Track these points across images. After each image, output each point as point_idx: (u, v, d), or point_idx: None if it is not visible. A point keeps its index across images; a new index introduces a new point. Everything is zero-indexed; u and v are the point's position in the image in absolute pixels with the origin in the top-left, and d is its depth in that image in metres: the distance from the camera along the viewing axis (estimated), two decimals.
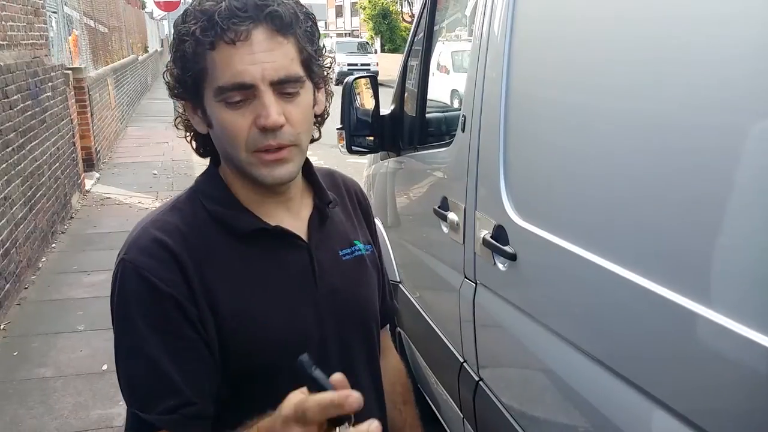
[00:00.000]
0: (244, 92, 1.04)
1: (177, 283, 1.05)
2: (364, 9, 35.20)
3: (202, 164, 1.24)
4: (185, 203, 1.15)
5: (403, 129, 2.97)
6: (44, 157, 6.23)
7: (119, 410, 3.47)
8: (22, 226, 5.27)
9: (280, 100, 1.05)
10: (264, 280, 1.12)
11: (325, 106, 1.21)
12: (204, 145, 1.19)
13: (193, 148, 1.21)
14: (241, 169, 1.10)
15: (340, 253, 1.24)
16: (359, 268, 1.27)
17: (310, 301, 1.16)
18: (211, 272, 1.08)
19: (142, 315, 1.05)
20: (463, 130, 2.18)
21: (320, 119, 1.22)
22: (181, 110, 1.17)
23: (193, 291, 1.06)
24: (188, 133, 1.19)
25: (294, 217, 1.19)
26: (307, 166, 1.21)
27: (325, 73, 1.17)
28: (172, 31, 1.11)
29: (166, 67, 1.13)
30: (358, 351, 1.23)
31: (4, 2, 5.60)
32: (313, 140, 1.21)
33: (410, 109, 2.96)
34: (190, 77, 1.07)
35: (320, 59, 1.13)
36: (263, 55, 1.03)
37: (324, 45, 1.17)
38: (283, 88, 1.05)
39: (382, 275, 1.40)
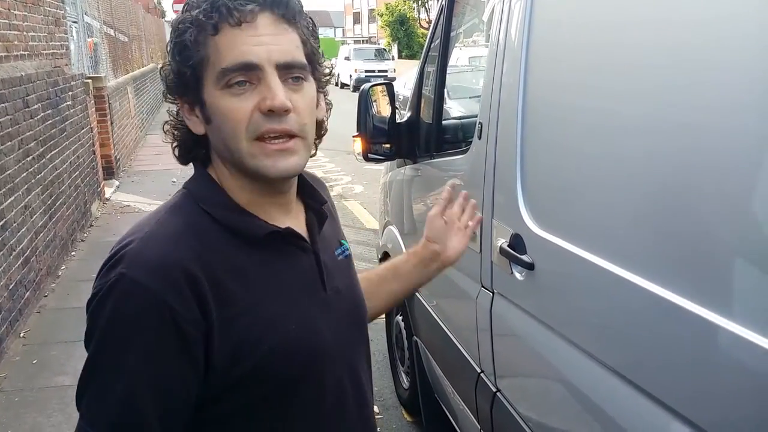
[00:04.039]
0: (249, 74, 1.00)
1: (188, 310, 0.97)
2: (382, 16, 35.29)
3: None
4: (184, 210, 1.06)
5: (420, 136, 2.96)
6: (64, 166, 6.28)
7: None
8: (42, 235, 5.32)
9: (285, 87, 1.01)
10: (278, 284, 1.08)
11: (324, 117, 1.17)
12: (189, 151, 1.12)
13: (175, 156, 1.14)
14: (242, 163, 1.03)
15: (336, 254, 1.22)
16: (350, 266, 1.27)
17: (321, 303, 1.13)
18: (228, 284, 1.01)
19: (138, 344, 0.96)
20: (479, 137, 2.16)
21: (319, 130, 1.16)
22: (174, 114, 1.12)
23: (208, 316, 0.98)
24: (174, 141, 1.13)
25: (293, 219, 1.14)
26: None
27: (325, 79, 1.14)
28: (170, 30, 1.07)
29: (162, 65, 1.09)
30: (359, 351, 1.22)
31: (26, 13, 5.66)
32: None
33: (426, 115, 2.95)
34: (190, 67, 1.02)
35: (322, 60, 1.12)
36: (269, 38, 1.00)
37: (323, 53, 1.14)
38: (289, 73, 1.02)
39: None
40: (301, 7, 1.06)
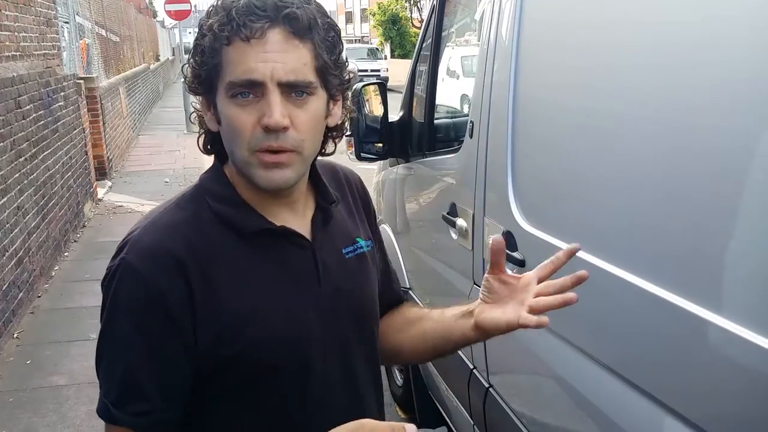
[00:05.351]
0: (253, 89, 1.03)
1: (174, 292, 1.06)
2: (374, 15, 35.25)
3: None
4: (189, 202, 1.15)
5: (412, 135, 2.97)
6: (57, 166, 6.27)
7: None
8: (35, 235, 5.31)
9: (288, 102, 1.04)
10: (268, 279, 1.13)
11: (342, 120, 1.19)
12: (212, 143, 1.18)
13: (199, 146, 1.21)
14: (241, 169, 1.09)
15: (343, 252, 1.23)
16: (361, 265, 1.26)
17: (314, 300, 1.16)
18: (216, 273, 1.09)
19: (132, 321, 1.06)
20: (471, 136, 2.18)
21: (336, 133, 1.20)
22: (198, 106, 1.16)
23: (193, 298, 1.06)
24: (201, 129, 1.18)
25: (298, 217, 1.18)
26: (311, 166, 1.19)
27: (345, 86, 1.15)
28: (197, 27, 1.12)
29: (187, 60, 1.13)
30: (358, 349, 1.24)
31: (17, 13, 5.65)
32: (326, 154, 1.20)
33: (419, 115, 2.97)
34: (206, 71, 1.07)
35: (339, 71, 1.12)
36: (276, 55, 1.02)
37: (346, 58, 1.15)
38: (292, 91, 1.05)
39: (386, 264, 1.40)
40: (316, 19, 1.06)
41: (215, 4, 1.07)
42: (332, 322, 1.18)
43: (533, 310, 1.13)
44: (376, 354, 1.30)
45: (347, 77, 1.15)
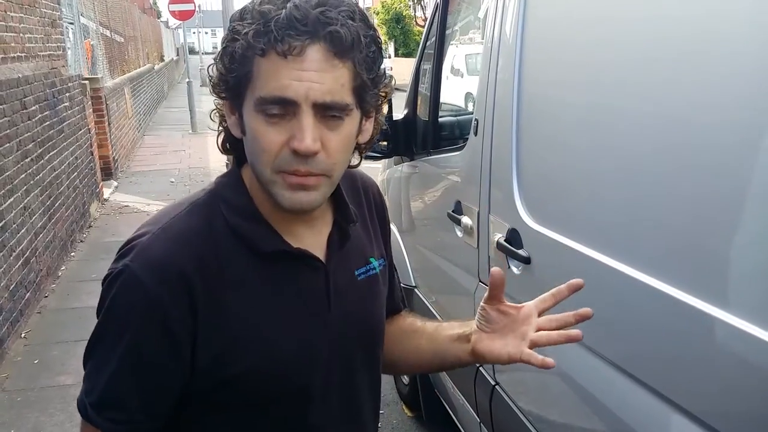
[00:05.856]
0: (285, 108, 0.97)
1: (176, 307, 1.02)
2: (378, 14, 35.22)
3: (218, 172, 1.16)
4: (203, 208, 1.08)
5: (416, 133, 2.98)
6: (63, 167, 6.29)
7: None
8: (41, 235, 5.33)
9: (320, 124, 0.98)
10: (277, 300, 1.09)
11: (372, 136, 1.12)
12: (231, 144, 1.11)
13: (217, 144, 1.14)
14: (264, 185, 1.03)
15: (356, 273, 1.19)
16: (371, 287, 1.22)
17: (322, 324, 1.12)
18: (224, 290, 1.04)
19: (126, 331, 1.03)
20: (475, 133, 2.18)
21: (365, 146, 1.14)
22: (219, 103, 1.09)
23: (196, 316, 1.03)
24: (220, 126, 1.11)
25: (315, 234, 1.13)
26: None
27: (380, 102, 1.09)
28: (227, 25, 1.04)
29: (214, 60, 1.05)
30: (362, 373, 1.21)
31: (22, 15, 5.67)
32: (352, 166, 1.15)
33: (423, 113, 2.97)
34: (234, 78, 1.00)
35: (376, 88, 1.04)
36: (313, 75, 0.95)
37: (385, 70, 1.07)
38: (327, 113, 0.98)
39: (392, 275, 1.36)
40: (359, 36, 0.98)
41: (251, 6, 0.99)
42: (339, 346, 1.15)
43: (535, 345, 1.13)
44: (379, 379, 1.28)
45: (384, 93, 1.09)
